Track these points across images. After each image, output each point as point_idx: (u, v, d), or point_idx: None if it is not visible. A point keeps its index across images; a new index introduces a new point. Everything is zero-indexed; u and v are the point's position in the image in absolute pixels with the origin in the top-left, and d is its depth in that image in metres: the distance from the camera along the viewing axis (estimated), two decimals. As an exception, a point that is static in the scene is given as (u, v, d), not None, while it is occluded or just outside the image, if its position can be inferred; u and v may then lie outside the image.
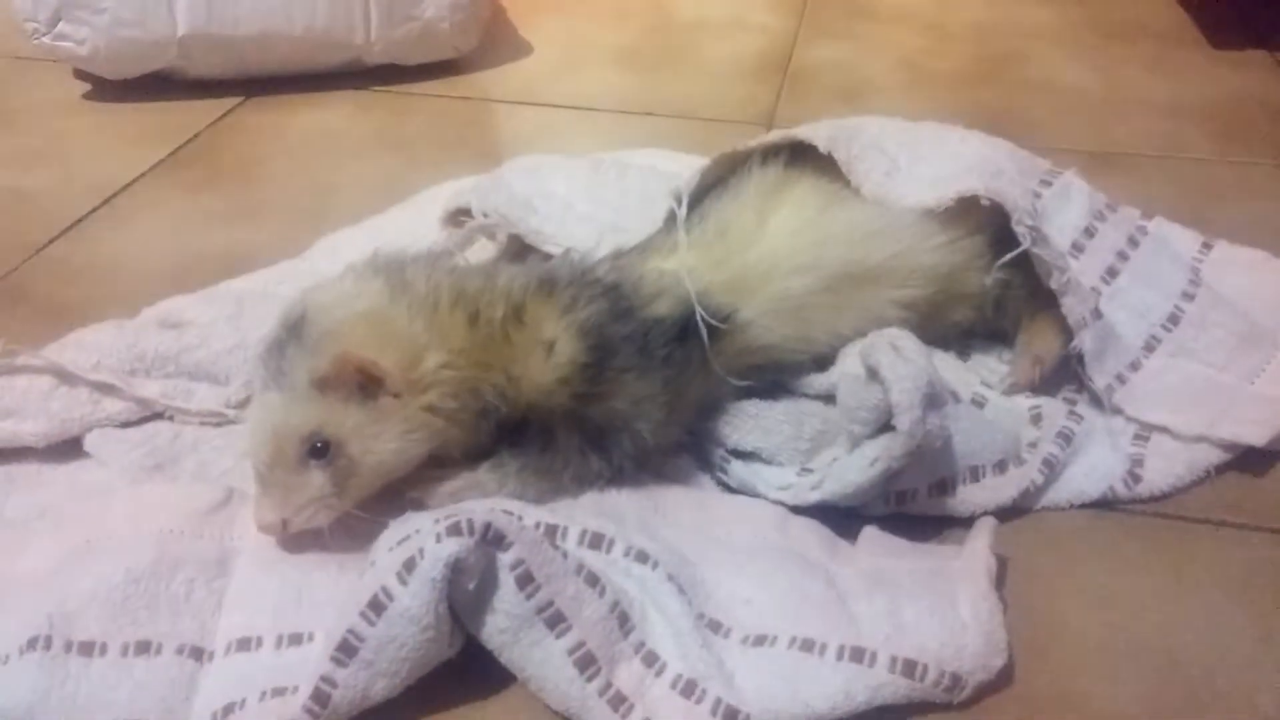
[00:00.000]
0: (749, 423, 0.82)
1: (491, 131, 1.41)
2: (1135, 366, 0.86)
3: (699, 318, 0.78)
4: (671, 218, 0.86)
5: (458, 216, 0.99)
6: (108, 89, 1.42)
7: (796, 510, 0.76)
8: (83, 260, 1.09)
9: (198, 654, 0.66)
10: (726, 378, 0.81)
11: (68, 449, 0.81)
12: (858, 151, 0.87)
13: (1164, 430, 0.83)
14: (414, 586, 0.60)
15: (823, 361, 0.84)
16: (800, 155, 0.90)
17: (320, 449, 0.70)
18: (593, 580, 0.64)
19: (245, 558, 0.71)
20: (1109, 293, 0.88)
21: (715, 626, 0.66)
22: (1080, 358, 0.84)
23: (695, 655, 0.64)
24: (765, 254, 0.83)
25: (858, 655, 0.63)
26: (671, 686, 0.63)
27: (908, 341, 0.78)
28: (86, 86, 1.44)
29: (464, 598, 0.62)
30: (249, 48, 1.38)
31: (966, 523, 0.77)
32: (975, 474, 0.78)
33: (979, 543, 0.70)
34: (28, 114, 1.39)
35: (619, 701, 0.62)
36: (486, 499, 0.72)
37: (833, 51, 1.63)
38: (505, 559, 0.62)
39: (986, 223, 0.86)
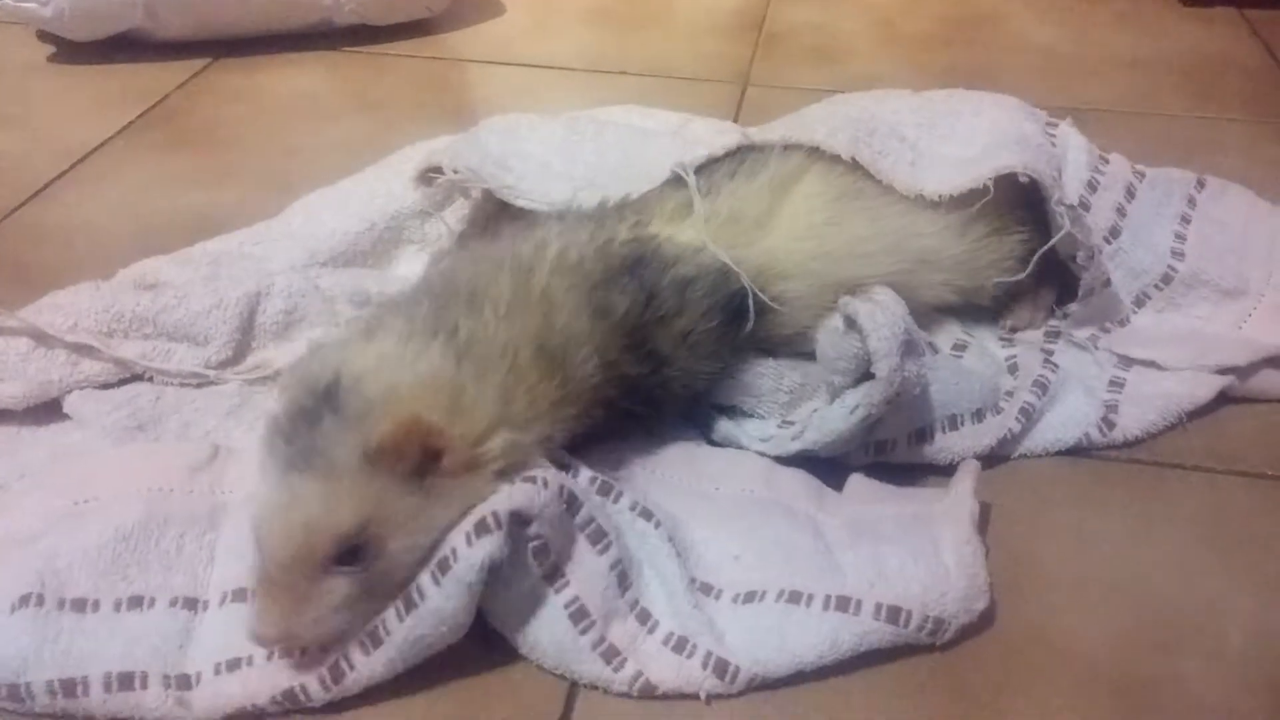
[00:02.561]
0: (730, 378, 0.82)
1: (465, 92, 1.40)
2: (1124, 322, 0.88)
3: (746, 289, 0.77)
4: (672, 184, 0.85)
5: (428, 175, 0.98)
6: (73, 51, 1.40)
7: (783, 462, 0.77)
8: (53, 223, 1.08)
9: (191, 604, 0.66)
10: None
11: (47, 411, 0.81)
12: (879, 147, 0.86)
13: (1151, 364, 0.84)
14: (448, 588, 0.60)
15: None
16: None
17: (358, 550, 0.60)
18: (597, 536, 0.65)
19: (235, 511, 0.70)
20: (1109, 252, 0.89)
21: (707, 589, 0.67)
22: (1065, 315, 0.86)
23: (687, 614, 0.65)
24: (768, 252, 0.81)
25: (843, 604, 0.64)
26: (664, 643, 0.64)
27: (885, 294, 0.79)
28: (51, 49, 1.42)
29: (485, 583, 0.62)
30: (216, 9, 1.36)
31: (946, 470, 0.78)
32: (954, 422, 0.79)
33: (963, 487, 0.71)
34: (-8, 77, 1.37)
35: (612, 654, 0.63)
36: None
37: (807, 12, 1.62)
38: (526, 534, 0.63)
39: (1006, 210, 0.86)
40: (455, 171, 0.95)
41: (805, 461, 0.77)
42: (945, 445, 0.78)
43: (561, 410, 0.69)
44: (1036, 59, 1.49)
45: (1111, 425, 0.82)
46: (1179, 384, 0.85)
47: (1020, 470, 0.80)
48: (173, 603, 0.65)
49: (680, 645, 0.63)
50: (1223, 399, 0.85)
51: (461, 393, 0.63)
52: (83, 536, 0.66)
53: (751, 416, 0.82)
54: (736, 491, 0.73)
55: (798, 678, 0.64)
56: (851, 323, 0.75)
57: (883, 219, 0.85)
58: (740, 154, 0.87)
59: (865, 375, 0.76)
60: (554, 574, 0.63)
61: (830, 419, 0.75)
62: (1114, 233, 0.91)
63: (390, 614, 0.61)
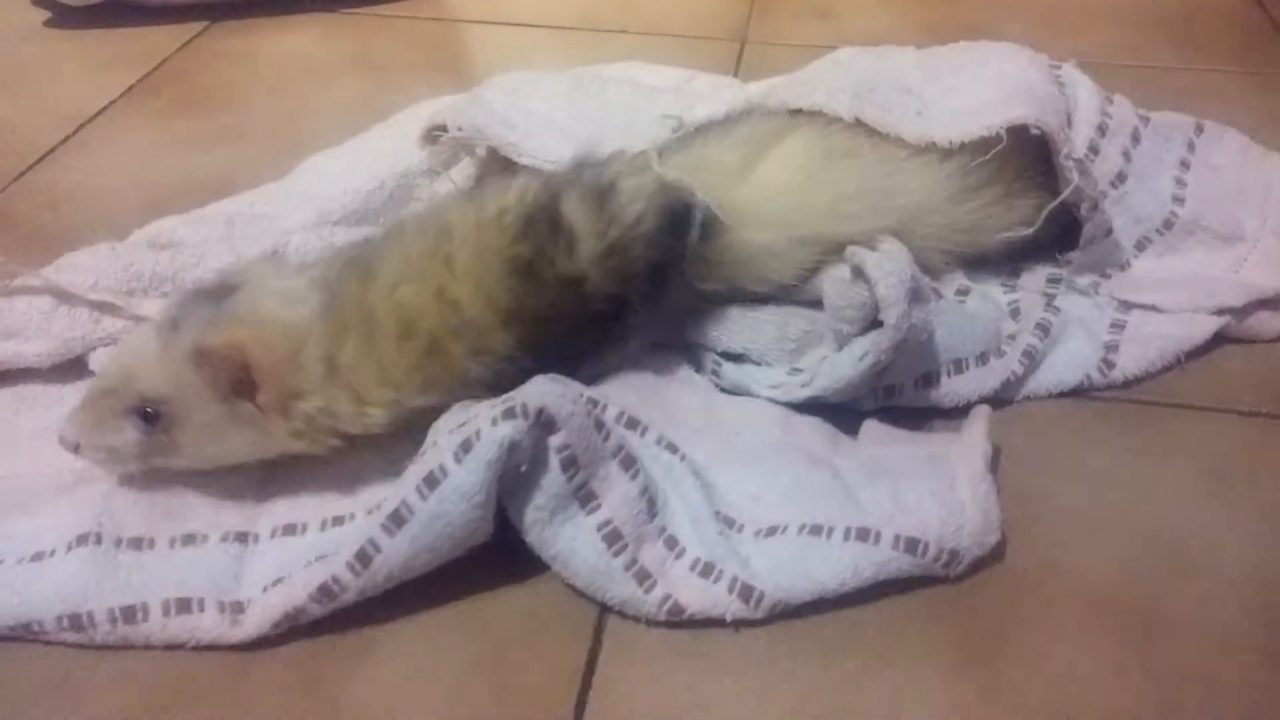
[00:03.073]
0: (735, 325, 0.84)
1: (464, 52, 1.40)
2: (1125, 267, 0.90)
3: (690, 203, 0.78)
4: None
5: (434, 134, 0.99)
6: (68, 16, 1.40)
7: (799, 410, 0.79)
8: (62, 187, 1.08)
9: (243, 538, 0.68)
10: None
11: (71, 369, 0.82)
12: (882, 101, 0.86)
13: (1151, 308, 0.87)
14: (469, 464, 0.62)
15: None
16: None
17: (149, 415, 0.67)
18: (628, 463, 0.67)
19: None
20: (1114, 197, 0.90)
21: (729, 522, 0.69)
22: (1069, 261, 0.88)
23: (713, 542, 0.67)
24: (743, 201, 0.81)
25: (863, 535, 0.66)
26: (691, 568, 0.66)
27: (891, 242, 0.81)
28: (45, 15, 1.41)
29: (511, 479, 0.64)
30: (214, -29, 1.36)
31: (950, 414, 0.81)
32: (959, 366, 0.81)
33: (976, 428, 0.73)
34: (-12, 43, 1.37)
35: (643, 577, 0.65)
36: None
37: (803, -33, 1.63)
38: (554, 442, 0.64)
39: (1012, 173, 0.87)
40: (460, 130, 0.96)
41: (817, 408, 0.79)
42: (951, 389, 0.80)
43: (437, 382, 0.71)
44: (1030, 12, 1.49)
45: (1111, 366, 0.84)
46: (1177, 325, 0.87)
47: (1024, 412, 0.83)
48: (224, 537, 0.68)
49: (707, 570, 0.65)
50: (1218, 340, 0.88)
51: (301, 348, 0.68)
52: (133, 484, 0.68)
53: (760, 364, 0.84)
54: (756, 437, 0.75)
55: (818, 606, 0.66)
56: (859, 271, 0.77)
57: (870, 178, 0.85)
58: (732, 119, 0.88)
59: (873, 323, 0.78)
60: (587, 496, 0.65)
61: (839, 366, 0.77)
62: (1120, 178, 0.92)
63: (413, 494, 0.62)
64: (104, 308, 0.82)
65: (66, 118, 1.20)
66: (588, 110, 0.97)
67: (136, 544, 0.67)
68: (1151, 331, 0.87)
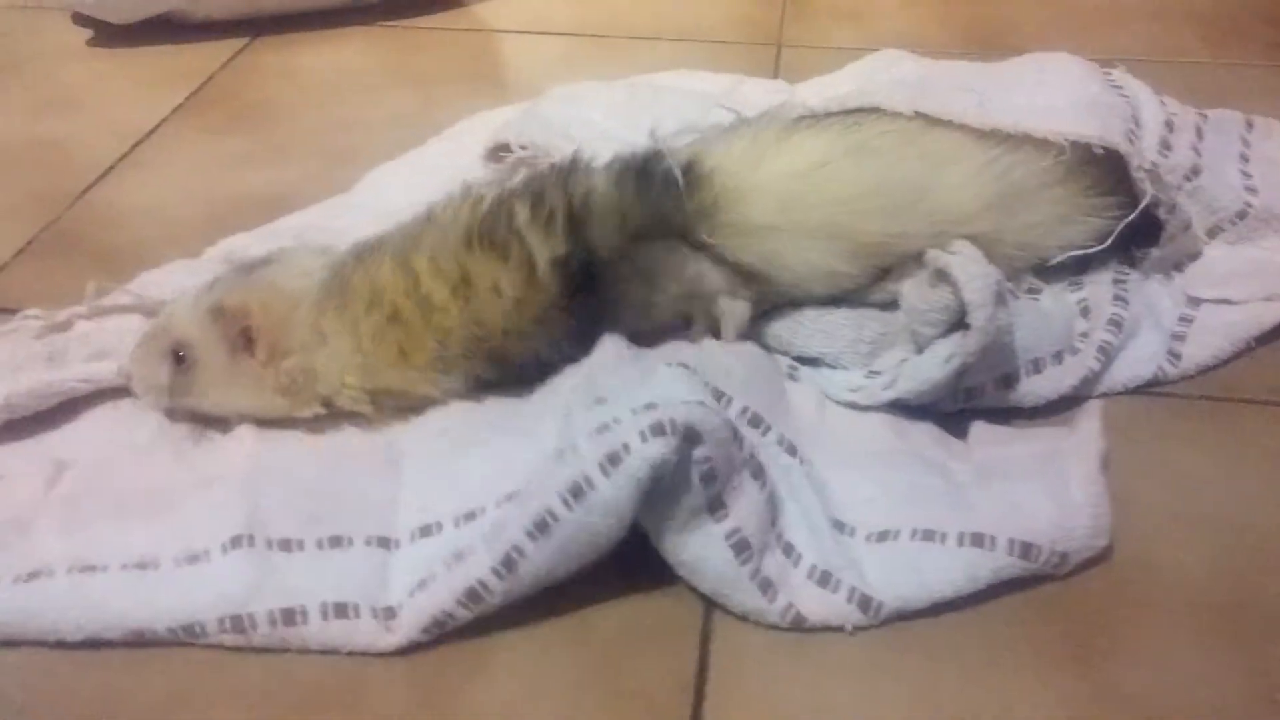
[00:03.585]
0: (811, 328, 0.85)
1: (504, 63, 1.41)
2: (1197, 256, 0.91)
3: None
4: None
5: (499, 152, 1.00)
6: (111, 34, 1.41)
7: (909, 413, 0.80)
8: (124, 205, 1.10)
9: (385, 543, 0.70)
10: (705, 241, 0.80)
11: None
12: (942, 98, 0.87)
13: (1224, 301, 0.88)
14: (617, 480, 0.63)
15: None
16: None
17: (179, 358, 0.77)
18: (757, 471, 0.68)
19: (412, 458, 0.75)
20: (1188, 189, 0.92)
21: (840, 526, 0.70)
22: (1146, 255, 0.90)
23: (830, 549, 0.68)
24: (746, 182, 0.81)
25: (978, 540, 0.67)
26: (808, 576, 0.67)
27: (964, 245, 0.82)
28: (89, 33, 1.42)
29: (651, 490, 0.65)
30: (255, -12, 1.37)
31: (1030, 413, 0.82)
32: (1036, 366, 0.82)
33: (1090, 425, 0.74)
34: (35, 63, 1.37)
35: (766, 586, 0.66)
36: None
37: (830, -30, 1.64)
38: (696, 455, 0.65)
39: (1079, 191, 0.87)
40: (522, 148, 0.97)
41: (924, 410, 0.80)
42: (1030, 388, 0.81)
43: (408, 358, 0.77)
44: (1059, 10, 1.51)
45: (1179, 357, 0.86)
46: (1245, 313, 0.88)
47: (1103, 413, 0.83)
48: (368, 542, 0.70)
49: (824, 579, 0.66)
50: (1282, 332, 0.89)
51: (294, 312, 0.76)
52: (276, 488, 0.72)
53: (835, 368, 0.85)
54: (867, 441, 0.77)
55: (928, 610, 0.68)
56: (943, 275, 0.78)
57: (893, 178, 0.83)
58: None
59: (954, 325, 0.79)
60: (716, 504, 0.66)
61: (924, 368, 0.78)
62: (1194, 171, 0.94)
63: (558, 503, 0.64)
64: None
65: (121, 136, 1.21)
66: (642, 119, 0.97)
67: (286, 545, 0.69)
68: (1220, 320, 0.88)
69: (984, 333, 0.75)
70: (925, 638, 0.67)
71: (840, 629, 0.66)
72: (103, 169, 1.15)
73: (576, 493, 0.63)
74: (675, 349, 0.81)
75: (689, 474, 0.65)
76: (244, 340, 0.76)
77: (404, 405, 0.79)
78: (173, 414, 0.79)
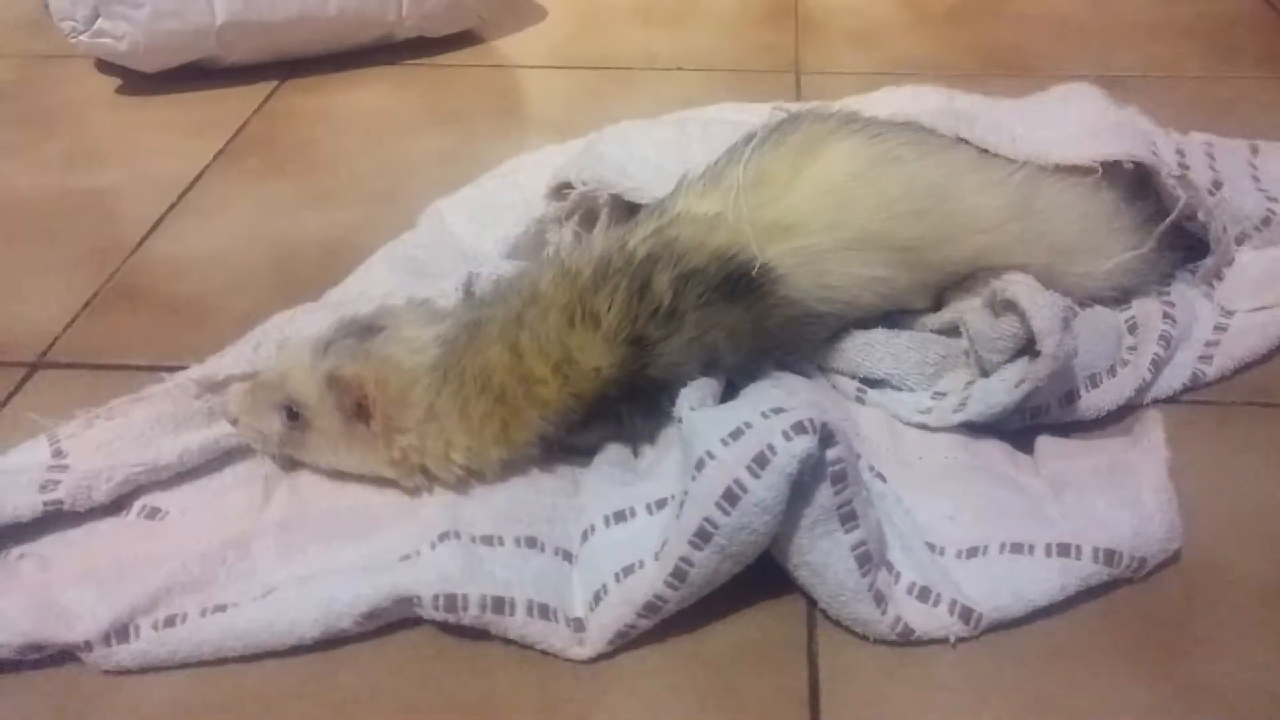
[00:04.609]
0: (879, 350, 0.89)
1: (532, 99, 1.45)
2: (1231, 263, 0.98)
3: (751, 260, 0.81)
4: (727, 151, 0.90)
5: (561, 190, 1.04)
6: (141, 82, 1.42)
7: (975, 431, 0.84)
8: (184, 255, 1.12)
9: (568, 556, 0.75)
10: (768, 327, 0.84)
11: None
12: (980, 133, 0.92)
13: (1261, 309, 0.94)
14: (768, 479, 0.67)
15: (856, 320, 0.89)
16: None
17: (292, 413, 0.80)
18: (871, 487, 0.73)
19: (590, 474, 0.81)
20: (1214, 203, 0.97)
21: (930, 547, 0.74)
22: (1194, 269, 0.96)
23: (926, 566, 0.72)
24: (790, 208, 0.85)
25: (1064, 550, 0.72)
26: (908, 592, 0.71)
27: (1025, 276, 0.85)
28: (116, 81, 1.44)
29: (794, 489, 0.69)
30: (286, 32, 1.39)
31: (1090, 425, 0.87)
32: (1095, 380, 0.87)
33: (1154, 436, 0.79)
34: (67, 113, 1.39)
35: (880, 599, 0.70)
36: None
37: (833, -4, 1.69)
38: (830, 455, 0.69)
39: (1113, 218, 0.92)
40: (584, 184, 1.00)
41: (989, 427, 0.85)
42: (1091, 402, 0.86)
43: (510, 433, 0.80)
44: (1061, 29, 1.57)
45: (1210, 360, 0.91)
46: (1275, 315, 0.94)
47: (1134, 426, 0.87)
48: (556, 552, 0.75)
49: (924, 594, 0.71)
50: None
51: (410, 391, 0.79)
52: (476, 496, 0.79)
53: (900, 389, 0.89)
54: (940, 459, 0.81)
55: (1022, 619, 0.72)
56: (1010, 304, 0.82)
57: (918, 182, 0.87)
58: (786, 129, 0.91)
59: (1020, 350, 0.83)
60: (848, 515, 0.70)
61: (994, 392, 0.83)
62: (1216, 185, 1.00)
63: (715, 511, 0.67)
64: None
65: (165, 186, 1.23)
66: (693, 153, 1.01)
67: (489, 540, 0.74)
68: (1252, 322, 0.94)
69: (1054, 359, 0.79)
70: (1019, 646, 0.72)
71: (944, 641, 0.71)
72: (153, 220, 1.17)
73: (731, 498, 0.67)
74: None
75: (824, 473, 0.69)
76: (359, 411, 0.78)
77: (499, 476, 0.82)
78: (276, 459, 0.83)
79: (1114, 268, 0.92)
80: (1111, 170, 0.92)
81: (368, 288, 0.97)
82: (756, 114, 1.21)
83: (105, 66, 1.46)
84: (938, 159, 0.90)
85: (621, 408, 0.82)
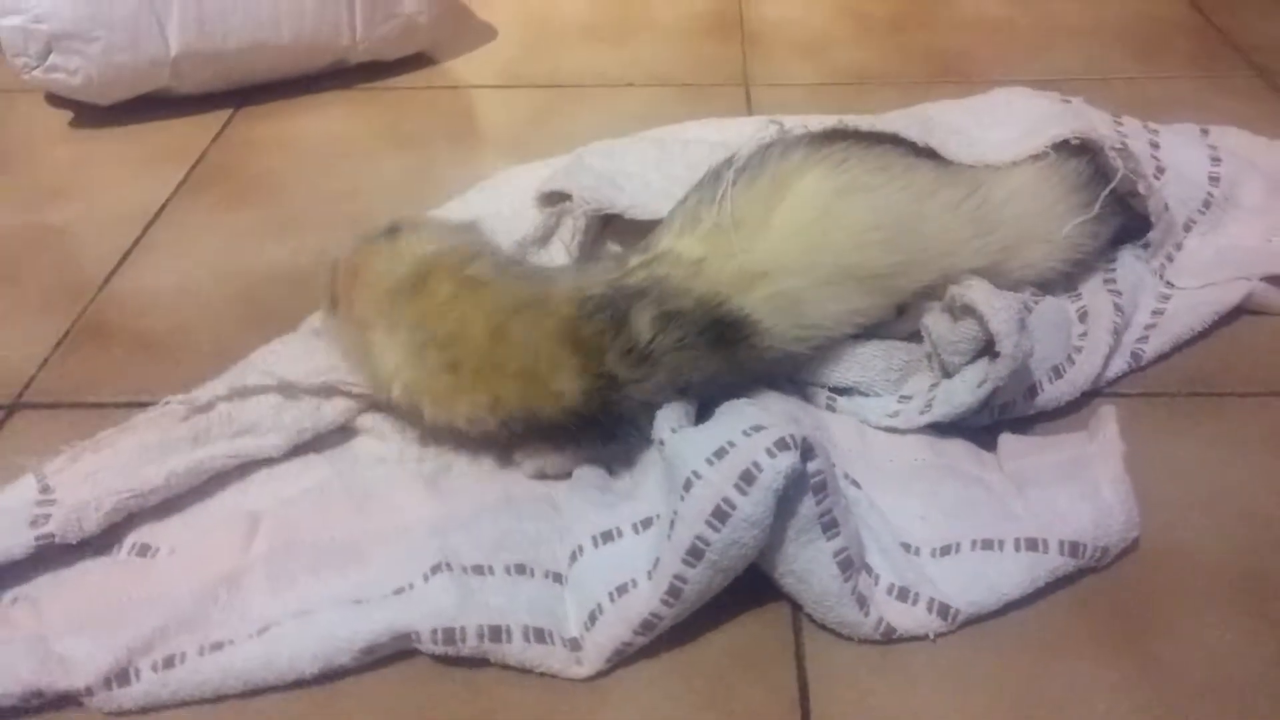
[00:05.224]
0: (846, 359, 0.92)
1: (490, 118, 1.46)
2: (1180, 247, 1.03)
3: (733, 312, 0.84)
4: (699, 186, 0.92)
5: (553, 199, 1.06)
6: (93, 115, 1.41)
7: (941, 431, 0.88)
8: (152, 290, 1.11)
9: (558, 578, 0.77)
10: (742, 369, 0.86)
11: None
12: (940, 139, 0.95)
13: (1208, 285, 1.01)
14: (756, 495, 0.69)
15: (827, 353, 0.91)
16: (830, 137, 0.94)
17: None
18: (848, 492, 0.76)
19: (568, 493, 0.83)
20: (1157, 187, 1.02)
21: (905, 547, 0.78)
22: (1146, 245, 1.02)
23: (903, 566, 0.75)
24: (766, 252, 0.85)
25: (1032, 545, 0.76)
26: (888, 593, 0.74)
27: (980, 280, 0.89)
28: (68, 114, 1.43)
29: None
30: (240, 60, 1.39)
31: (1052, 415, 0.91)
32: (1057, 372, 0.91)
33: (1109, 430, 0.83)
34: (19, 149, 1.37)
35: (863, 601, 0.73)
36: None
37: (777, 7, 1.73)
38: (810, 468, 0.72)
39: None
40: (586, 202, 1.02)
41: (954, 427, 0.88)
42: (1053, 394, 0.91)
43: (457, 407, 0.83)
44: (998, 34, 1.62)
45: (1146, 340, 0.97)
46: (1209, 295, 1.00)
47: (1092, 412, 0.91)
48: (546, 575, 0.76)
49: (904, 594, 0.74)
50: (1238, 314, 1.01)
51: (371, 291, 0.84)
52: (459, 523, 0.80)
53: (868, 395, 0.93)
54: (908, 460, 0.84)
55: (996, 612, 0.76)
56: (969, 309, 0.86)
57: (887, 210, 0.89)
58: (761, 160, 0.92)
59: (980, 352, 0.87)
60: (829, 523, 0.72)
61: (957, 393, 0.87)
62: (1159, 171, 1.05)
63: (706, 529, 0.70)
64: (324, 391, 0.89)
65: (127, 220, 1.22)
66: (675, 170, 1.04)
67: (479, 570, 0.76)
68: (1184, 304, 1.00)
69: (1013, 359, 0.83)
70: (994, 637, 0.75)
71: (923, 638, 0.74)
72: (119, 255, 1.17)
73: (721, 516, 0.70)
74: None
75: (806, 485, 0.72)
76: (334, 300, 0.86)
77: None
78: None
79: (1062, 241, 0.96)
80: (1061, 161, 0.97)
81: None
82: (730, 132, 1.24)
83: (56, 100, 1.45)
84: (903, 183, 0.91)
85: (581, 436, 0.84)
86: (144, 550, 0.81)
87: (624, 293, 0.84)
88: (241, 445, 0.85)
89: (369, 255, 0.85)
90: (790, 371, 0.92)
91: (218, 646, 0.73)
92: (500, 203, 1.09)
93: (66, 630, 0.73)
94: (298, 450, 0.88)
